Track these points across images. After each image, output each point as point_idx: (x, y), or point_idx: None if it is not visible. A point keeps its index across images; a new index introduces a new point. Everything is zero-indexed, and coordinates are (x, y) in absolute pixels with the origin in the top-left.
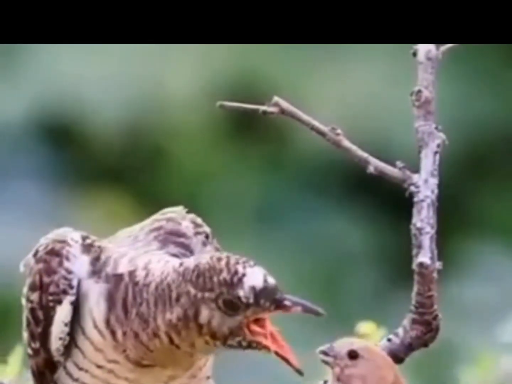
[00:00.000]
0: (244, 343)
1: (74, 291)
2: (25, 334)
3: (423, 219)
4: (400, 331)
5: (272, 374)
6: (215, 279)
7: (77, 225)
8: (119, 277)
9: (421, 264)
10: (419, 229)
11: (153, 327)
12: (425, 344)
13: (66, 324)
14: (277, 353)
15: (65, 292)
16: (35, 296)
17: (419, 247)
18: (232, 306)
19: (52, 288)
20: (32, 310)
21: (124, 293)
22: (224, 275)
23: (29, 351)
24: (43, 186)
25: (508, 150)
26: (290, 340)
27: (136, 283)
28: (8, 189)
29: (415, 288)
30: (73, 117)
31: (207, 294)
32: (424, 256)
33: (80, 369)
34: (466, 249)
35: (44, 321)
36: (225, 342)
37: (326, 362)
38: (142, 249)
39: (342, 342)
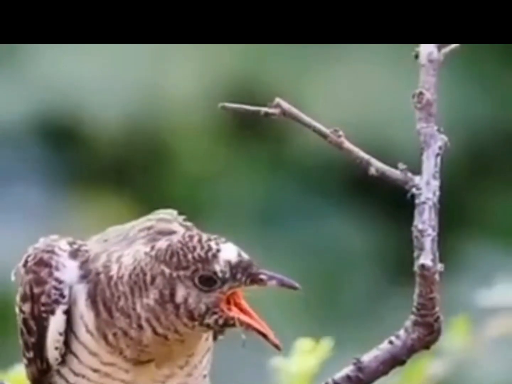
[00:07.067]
0: (220, 321)
1: (66, 300)
2: (20, 343)
3: (425, 221)
4: (402, 333)
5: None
6: (189, 256)
7: (77, 226)
8: (97, 276)
9: (422, 266)
10: (421, 231)
11: (135, 318)
12: (427, 346)
13: (61, 334)
14: (255, 329)
15: (57, 302)
16: (26, 307)
17: (421, 249)
18: (208, 282)
19: (43, 299)
20: (25, 321)
21: (102, 292)
22: (198, 251)
23: (24, 360)
24: (43, 186)
25: (509, 152)
26: (287, 339)
27: (110, 278)
28: (8, 190)
29: (417, 290)
30: (73, 118)
31: (182, 272)
32: (426, 258)
33: (76, 374)
34: (464, 249)
35: (38, 332)
36: (202, 321)
37: None
38: (126, 246)
39: None
